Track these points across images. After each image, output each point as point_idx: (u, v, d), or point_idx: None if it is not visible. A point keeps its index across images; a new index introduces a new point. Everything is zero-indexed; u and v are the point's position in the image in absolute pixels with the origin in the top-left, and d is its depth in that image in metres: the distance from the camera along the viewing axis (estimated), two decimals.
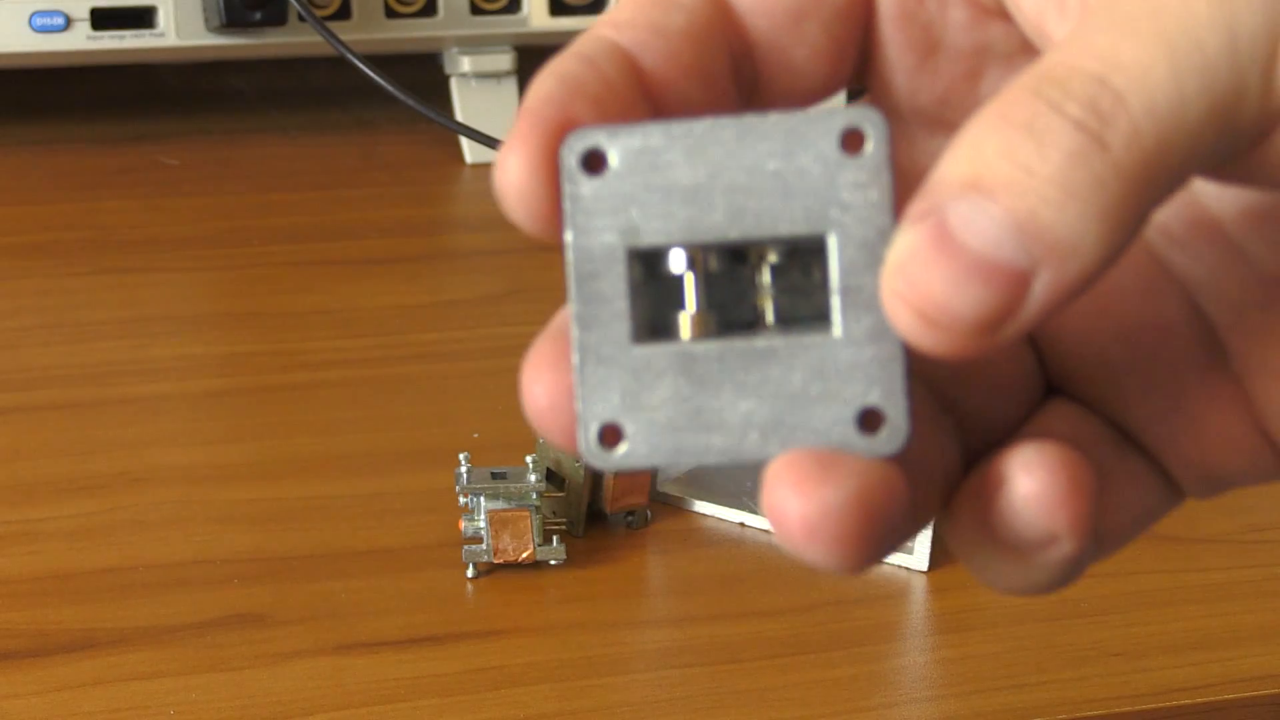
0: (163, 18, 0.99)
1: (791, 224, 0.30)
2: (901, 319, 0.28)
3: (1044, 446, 0.31)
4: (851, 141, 0.30)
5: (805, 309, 0.31)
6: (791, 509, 0.29)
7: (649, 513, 0.67)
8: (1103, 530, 0.32)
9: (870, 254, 0.30)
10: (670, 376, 0.31)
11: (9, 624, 0.60)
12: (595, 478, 0.65)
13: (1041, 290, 0.28)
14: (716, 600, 0.62)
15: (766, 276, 0.31)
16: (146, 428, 0.74)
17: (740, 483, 0.68)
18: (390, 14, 1.02)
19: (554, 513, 0.65)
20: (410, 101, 0.95)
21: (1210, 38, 0.28)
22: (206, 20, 0.99)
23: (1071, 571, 0.32)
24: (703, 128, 0.30)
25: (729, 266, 0.31)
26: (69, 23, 0.97)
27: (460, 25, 1.03)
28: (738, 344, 0.31)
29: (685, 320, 0.31)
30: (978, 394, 0.34)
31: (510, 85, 1.05)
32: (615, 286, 0.31)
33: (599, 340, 0.31)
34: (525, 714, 0.56)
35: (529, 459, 0.64)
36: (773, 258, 0.31)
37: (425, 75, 1.04)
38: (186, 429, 0.75)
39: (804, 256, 0.31)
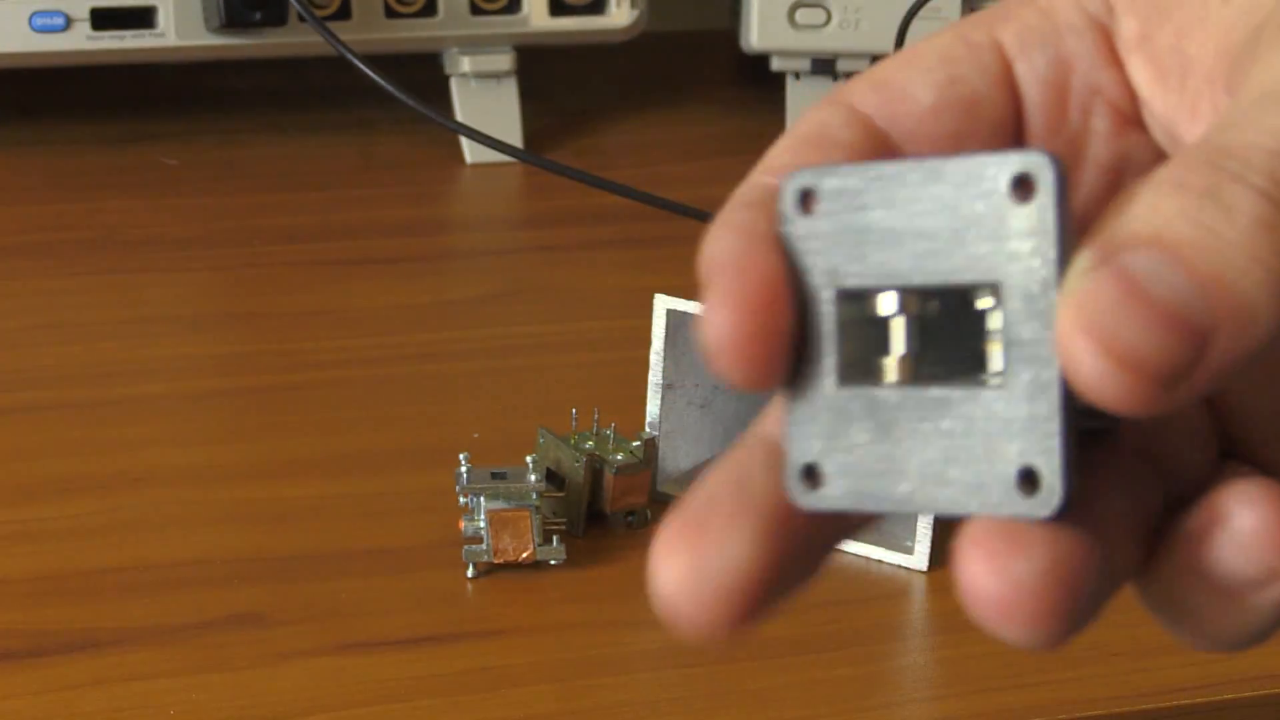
0: (163, 18, 0.99)
1: (964, 271, 0.30)
2: (1085, 358, 0.27)
3: (1262, 480, 0.31)
4: (1022, 187, 0.29)
5: (972, 360, 0.30)
6: (986, 587, 0.28)
7: (649, 513, 0.66)
8: None
9: (1030, 306, 0.29)
10: (861, 421, 0.30)
11: (9, 624, 0.60)
12: (595, 477, 0.65)
13: (1219, 351, 0.27)
14: None
15: (971, 321, 0.30)
16: (146, 428, 0.73)
17: None
18: (390, 14, 1.02)
19: (554, 513, 0.65)
20: (410, 101, 0.95)
21: None
22: (206, 20, 0.99)
23: None
24: (892, 170, 0.30)
25: (935, 310, 0.31)
26: (69, 23, 0.97)
27: (460, 25, 1.03)
28: (916, 392, 0.30)
29: (891, 364, 0.31)
30: (1172, 443, 0.33)
31: (510, 85, 1.04)
32: (824, 327, 0.31)
33: (807, 380, 0.31)
34: (525, 714, 0.56)
35: (529, 459, 0.64)
36: (980, 303, 0.30)
37: (425, 75, 1.04)
38: (186, 429, 0.75)
39: (970, 306, 0.30)
